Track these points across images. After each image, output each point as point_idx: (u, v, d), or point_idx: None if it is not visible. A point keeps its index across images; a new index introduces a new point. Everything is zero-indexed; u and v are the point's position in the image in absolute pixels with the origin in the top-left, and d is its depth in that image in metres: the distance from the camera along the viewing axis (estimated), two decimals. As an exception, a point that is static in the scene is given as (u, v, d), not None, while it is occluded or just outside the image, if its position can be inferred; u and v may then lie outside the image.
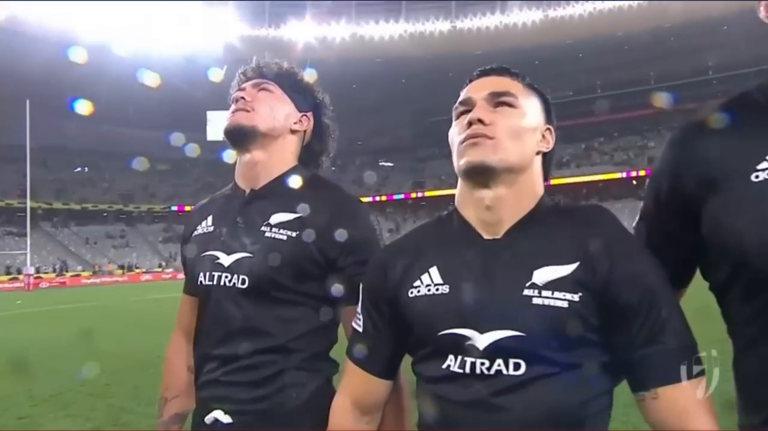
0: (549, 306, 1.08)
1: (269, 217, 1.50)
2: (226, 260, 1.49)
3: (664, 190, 1.15)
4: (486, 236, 1.18)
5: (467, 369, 1.09)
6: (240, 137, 1.55)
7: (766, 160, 1.01)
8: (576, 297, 1.08)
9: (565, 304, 1.07)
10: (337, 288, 1.46)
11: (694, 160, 1.09)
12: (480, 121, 1.17)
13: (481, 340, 1.09)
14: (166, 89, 52.48)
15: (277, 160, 1.59)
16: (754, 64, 37.72)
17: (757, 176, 1.01)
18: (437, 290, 1.16)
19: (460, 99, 1.26)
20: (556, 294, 1.08)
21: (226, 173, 1.65)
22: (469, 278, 1.14)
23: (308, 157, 1.67)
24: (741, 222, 1.00)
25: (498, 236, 1.17)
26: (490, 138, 1.16)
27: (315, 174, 1.64)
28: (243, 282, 1.45)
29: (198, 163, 68.29)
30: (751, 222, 0.98)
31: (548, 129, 1.27)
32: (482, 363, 1.08)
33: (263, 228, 1.49)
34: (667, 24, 49.26)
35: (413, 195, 61.22)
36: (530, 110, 1.24)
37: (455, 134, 1.23)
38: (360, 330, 1.30)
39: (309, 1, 56.28)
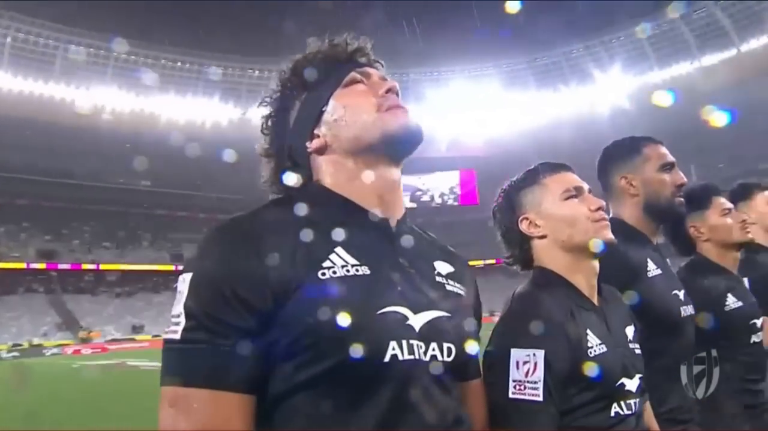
0: (640, 355, 1.51)
1: (432, 263, 1.14)
2: (415, 321, 1.01)
3: None
4: (596, 303, 1.51)
5: (634, 409, 1.42)
6: (415, 144, 1.14)
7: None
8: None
9: (640, 352, 1.52)
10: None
11: None
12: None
13: (632, 384, 1.43)
14: None
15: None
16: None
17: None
18: (604, 349, 1.41)
19: (574, 185, 1.53)
20: (637, 345, 1.52)
21: None
22: (603, 337, 1.42)
23: None
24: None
25: (597, 303, 1.51)
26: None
27: None
28: (449, 353, 1.03)
29: None
30: None
31: None
32: (635, 403, 1.44)
33: (439, 279, 1.12)
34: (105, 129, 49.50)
35: None
36: None
37: (577, 212, 1.49)
38: (541, 398, 1.29)
39: None
